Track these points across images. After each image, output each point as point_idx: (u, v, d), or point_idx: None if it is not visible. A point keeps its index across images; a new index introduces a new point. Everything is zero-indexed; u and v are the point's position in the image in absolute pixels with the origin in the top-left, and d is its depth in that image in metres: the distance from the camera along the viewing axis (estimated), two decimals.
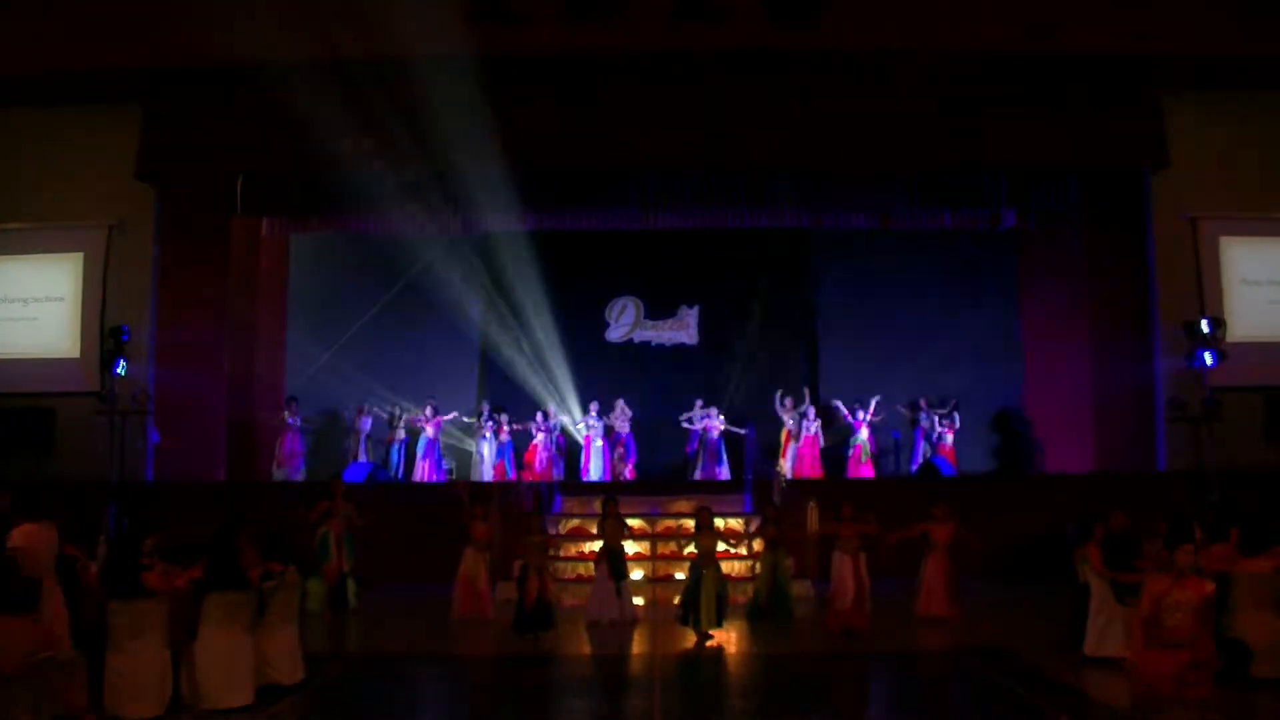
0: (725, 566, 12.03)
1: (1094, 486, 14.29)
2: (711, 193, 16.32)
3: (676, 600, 10.84)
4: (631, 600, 11.52)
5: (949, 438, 17.04)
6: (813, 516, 12.53)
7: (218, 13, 14.20)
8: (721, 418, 17.15)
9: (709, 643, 10.11)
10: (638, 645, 10.31)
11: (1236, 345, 15.03)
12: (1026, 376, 17.96)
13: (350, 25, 14.00)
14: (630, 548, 12.75)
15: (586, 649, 10.19)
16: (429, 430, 16.86)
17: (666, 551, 13.33)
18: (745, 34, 14.31)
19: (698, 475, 16.79)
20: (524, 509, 11.70)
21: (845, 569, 10.72)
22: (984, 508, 13.65)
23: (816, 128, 14.90)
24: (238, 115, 15.09)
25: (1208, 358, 14.64)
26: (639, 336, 18.96)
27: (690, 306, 18.95)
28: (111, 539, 10.65)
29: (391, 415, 17.11)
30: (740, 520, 13.86)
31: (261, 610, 7.94)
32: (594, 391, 17.32)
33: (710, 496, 14.08)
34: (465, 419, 17.39)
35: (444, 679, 9.31)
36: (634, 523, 12.97)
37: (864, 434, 16.90)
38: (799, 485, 14.52)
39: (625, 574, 11.32)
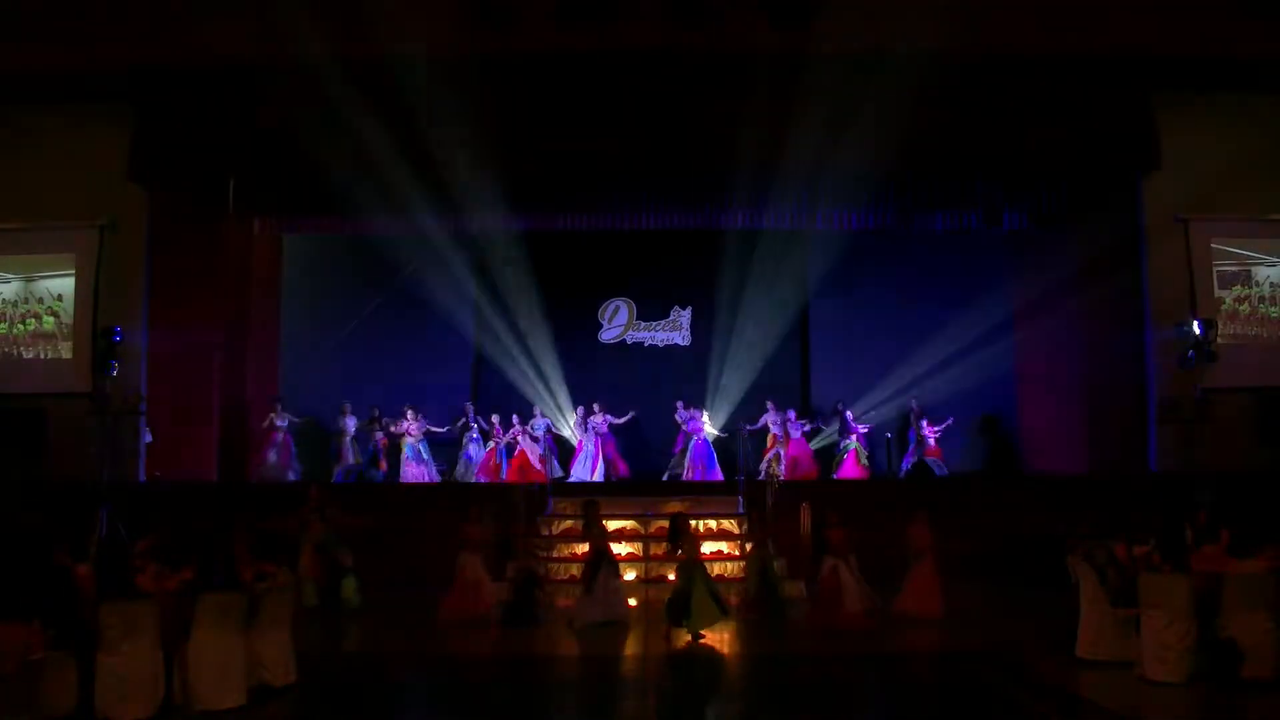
0: (718, 568, 12.05)
1: (1086, 487, 14.32)
2: (704, 194, 16.35)
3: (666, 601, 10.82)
4: (624, 601, 11.53)
5: (935, 439, 17.07)
6: (805, 518, 12.54)
7: (210, 13, 14.18)
8: (708, 419, 17.14)
9: (700, 641, 10.12)
10: (631, 646, 10.29)
11: (1227, 346, 15.08)
12: (1018, 377, 17.99)
13: (342, 26, 13.98)
14: (619, 549, 12.77)
15: (580, 650, 10.17)
16: (412, 433, 16.79)
17: (659, 553, 13.32)
18: (738, 35, 14.30)
19: (686, 476, 16.72)
20: (516, 511, 11.73)
21: (840, 571, 10.75)
22: (976, 509, 13.69)
23: (809, 129, 14.90)
24: (230, 116, 15.04)
25: (1199, 359, 14.70)
26: (632, 338, 18.97)
27: (683, 308, 18.96)
28: (104, 540, 10.62)
29: (373, 419, 17.01)
30: (734, 521, 13.85)
31: (254, 611, 7.93)
32: (588, 393, 17.28)
33: (704, 498, 14.08)
34: (438, 429, 17.19)
35: (437, 680, 9.27)
36: (614, 525, 12.98)
37: (853, 439, 16.92)
38: (793, 487, 14.52)
39: (617, 573, 11.37)
